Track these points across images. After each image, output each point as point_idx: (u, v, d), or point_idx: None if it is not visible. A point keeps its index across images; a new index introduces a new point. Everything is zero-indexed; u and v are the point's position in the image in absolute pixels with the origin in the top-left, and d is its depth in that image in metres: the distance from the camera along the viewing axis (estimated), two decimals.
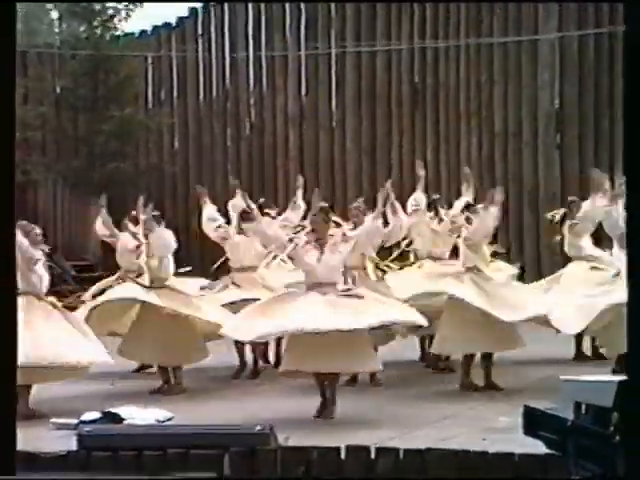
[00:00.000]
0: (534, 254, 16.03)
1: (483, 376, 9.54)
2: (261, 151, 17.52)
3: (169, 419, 8.40)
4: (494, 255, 10.39)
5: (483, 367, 9.56)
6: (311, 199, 9.52)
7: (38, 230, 9.28)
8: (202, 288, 10.57)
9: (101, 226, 11.44)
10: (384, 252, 10.61)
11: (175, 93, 17.87)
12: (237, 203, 11.16)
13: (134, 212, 10.86)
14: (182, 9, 17.85)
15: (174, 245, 9.99)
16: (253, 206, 9.48)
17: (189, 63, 17.70)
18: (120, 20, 17.53)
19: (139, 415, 8.29)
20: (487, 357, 9.57)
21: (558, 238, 11.01)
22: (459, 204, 10.44)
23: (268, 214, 10.70)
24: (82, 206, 17.37)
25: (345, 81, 17.14)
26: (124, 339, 10.03)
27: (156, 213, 10.43)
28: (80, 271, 16.39)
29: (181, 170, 17.81)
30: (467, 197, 10.62)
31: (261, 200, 11.64)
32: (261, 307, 8.55)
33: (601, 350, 10.19)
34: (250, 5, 17.49)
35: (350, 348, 8.24)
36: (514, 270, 10.86)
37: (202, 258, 14.53)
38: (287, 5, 17.35)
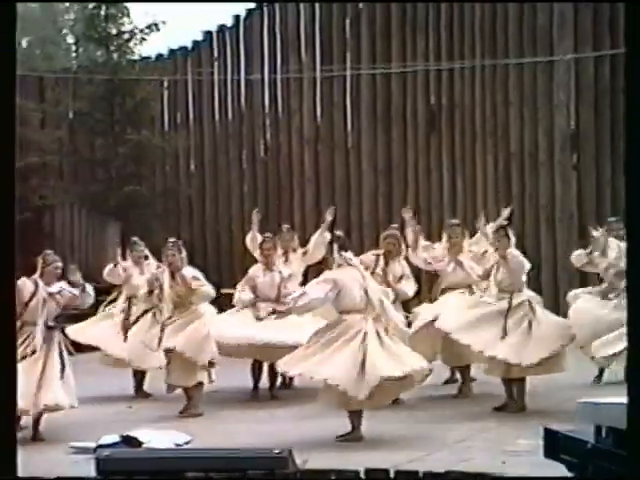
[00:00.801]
0: (551, 273, 15.99)
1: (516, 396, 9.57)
2: (277, 173, 17.54)
3: (187, 442, 8.40)
4: None
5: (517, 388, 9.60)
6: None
7: (59, 264, 9.39)
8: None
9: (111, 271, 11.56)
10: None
11: (191, 116, 17.93)
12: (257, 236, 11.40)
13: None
14: (197, 33, 17.95)
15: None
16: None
17: (205, 86, 17.77)
18: (136, 44, 17.64)
19: (157, 438, 8.29)
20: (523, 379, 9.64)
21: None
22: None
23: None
24: (99, 229, 17.43)
25: (360, 102, 17.16)
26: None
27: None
28: (97, 294, 16.40)
29: (197, 192, 17.86)
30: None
31: (285, 227, 11.76)
32: None
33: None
34: (265, 28, 17.56)
35: None
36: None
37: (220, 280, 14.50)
38: (302, 27, 17.41)
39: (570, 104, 16.22)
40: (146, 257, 11.39)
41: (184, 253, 10.09)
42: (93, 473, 7.31)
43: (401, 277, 10.51)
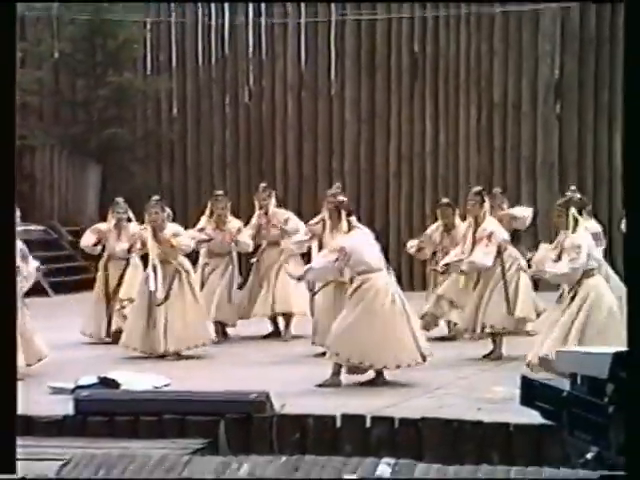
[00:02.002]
0: (531, 224, 16.02)
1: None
2: (259, 118, 17.45)
3: (166, 385, 8.42)
4: None
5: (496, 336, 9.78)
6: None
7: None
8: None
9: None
10: None
11: (174, 59, 17.77)
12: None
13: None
14: None
15: None
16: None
17: (188, 29, 17.60)
18: None
19: (136, 381, 8.31)
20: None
21: None
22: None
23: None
24: (79, 172, 17.33)
25: (345, 50, 17.05)
26: None
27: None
28: (76, 236, 16.37)
29: (179, 137, 17.75)
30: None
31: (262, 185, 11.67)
32: None
33: None
34: None
35: None
36: None
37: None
38: None
39: (555, 54, 16.18)
40: (129, 219, 11.22)
41: (167, 211, 10.31)
42: (71, 413, 7.35)
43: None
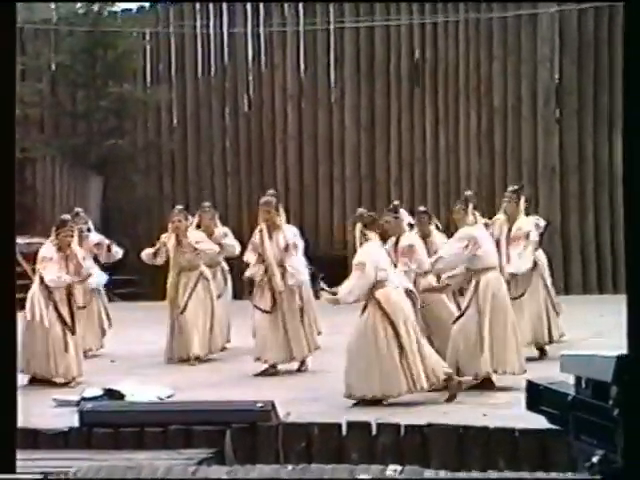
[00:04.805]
0: None
1: None
2: (259, 128, 17.47)
3: (170, 396, 8.42)
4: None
5: None
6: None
7: None
8: None
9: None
10: None
11: (173, 69, 17.80)
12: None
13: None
14: None
15: None
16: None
17: (187, 39, 17.62)
18: None
19: (140, 392, 8.31)
20: None
21: None
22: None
23: None
24: (81, 183, 17.35)
25: (344, 57, 17.07)
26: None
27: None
28: None
29: (179, 147, 17.77)
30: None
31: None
32: None
33: None
34: None
35: None
36: None
37: None
38: None
39: (554, 58, 16.19)
40: (89, 229, 11.23)
41: (190, 220, 10.61)
42: (76, 425, 7.35)
43: (287, 247, 9.68)
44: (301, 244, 10.01)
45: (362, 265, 8.06)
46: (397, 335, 7.96)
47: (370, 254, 8.13)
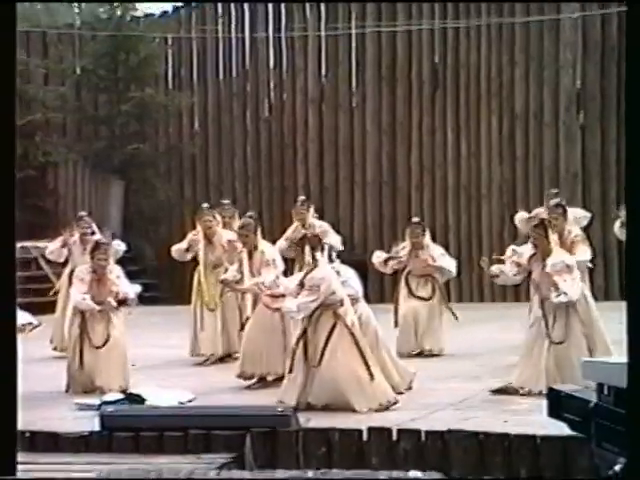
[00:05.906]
0: None
1: None
2: (281, 132, 17.48)
3: (190, 400, 8.43)
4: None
5: None
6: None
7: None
8: None
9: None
10: None
11: (195, 74, 17.83)
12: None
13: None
14: None
15: None
16: None
17: (209, 44, 17.66)
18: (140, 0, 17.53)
19: (161, 396, 8.32)
20: None
21: None
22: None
23: None
24: (102, 187, 17.40)
25: (365, 61, 17.07)
26: None
27: None
28: None
29: (200, 151, 17.80)
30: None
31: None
32: None
33: None
34: None
35: None
36: None
37: None
38: None
39: (576, 63, 16.12)
40: (92, 233, 11.25)
41: (219, 218, 10.73)
42: (97, 429, 7.37)
43: (267, 263, 9.42)
44: (281, 265, 9.66)
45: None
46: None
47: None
